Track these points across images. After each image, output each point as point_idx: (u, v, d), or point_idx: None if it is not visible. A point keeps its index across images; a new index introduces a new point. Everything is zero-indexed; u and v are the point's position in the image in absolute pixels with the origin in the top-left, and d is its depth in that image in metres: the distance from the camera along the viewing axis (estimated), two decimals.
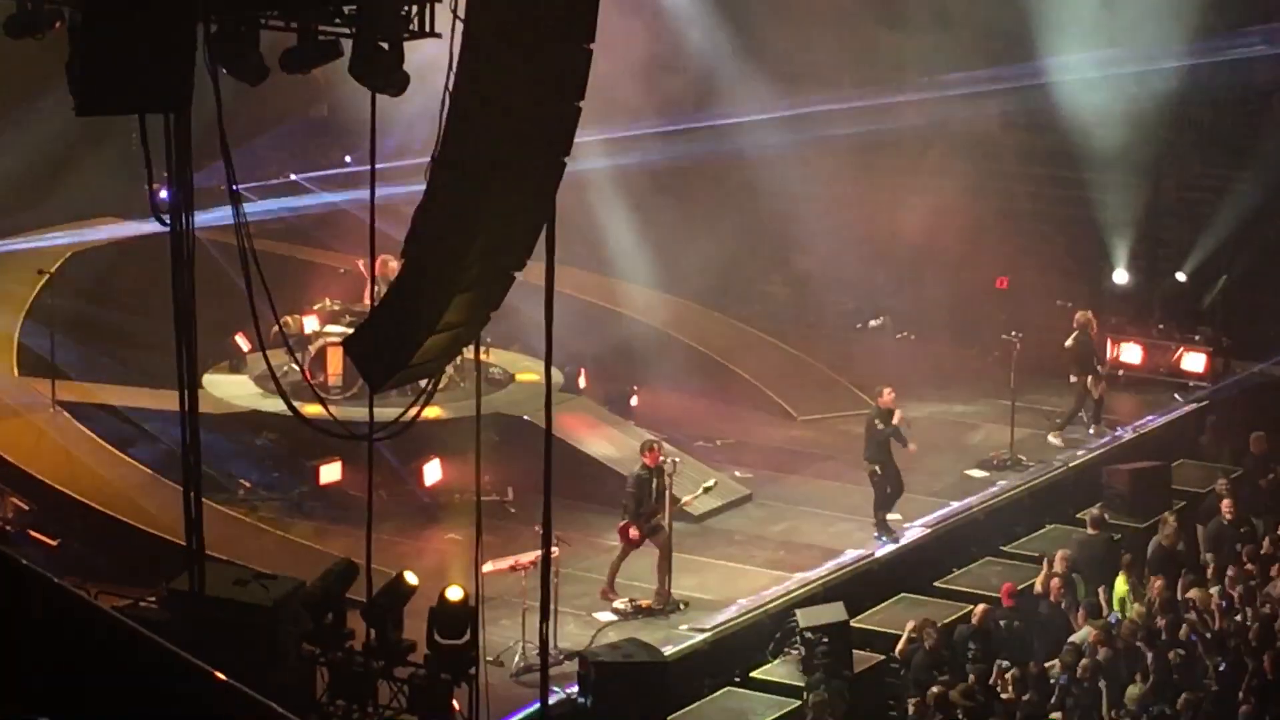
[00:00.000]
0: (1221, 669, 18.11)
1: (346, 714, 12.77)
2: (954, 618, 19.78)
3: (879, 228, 28.54)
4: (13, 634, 6.13)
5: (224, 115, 10.92)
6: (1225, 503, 21.80)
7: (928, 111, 28.66)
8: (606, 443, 22.68)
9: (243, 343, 22.51)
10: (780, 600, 19.79)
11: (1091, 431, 24.89)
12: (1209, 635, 18.73)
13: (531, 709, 16.53)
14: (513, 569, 17.86)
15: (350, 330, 19.48)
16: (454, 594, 13.08)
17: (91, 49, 10.70)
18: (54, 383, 21.64)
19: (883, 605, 20.45)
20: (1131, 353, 27.24)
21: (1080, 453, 24.31)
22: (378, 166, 13.03)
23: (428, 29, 12.59)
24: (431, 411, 16.04)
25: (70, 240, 25.74)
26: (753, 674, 18.94)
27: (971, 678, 18.23)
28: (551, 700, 15.40)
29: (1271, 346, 26.91)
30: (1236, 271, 27.99)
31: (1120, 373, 26.89)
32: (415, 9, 12.54)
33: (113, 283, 24.65)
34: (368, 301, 20.00)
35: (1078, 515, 22.32)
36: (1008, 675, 18.37)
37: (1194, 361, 27.07)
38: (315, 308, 23.22)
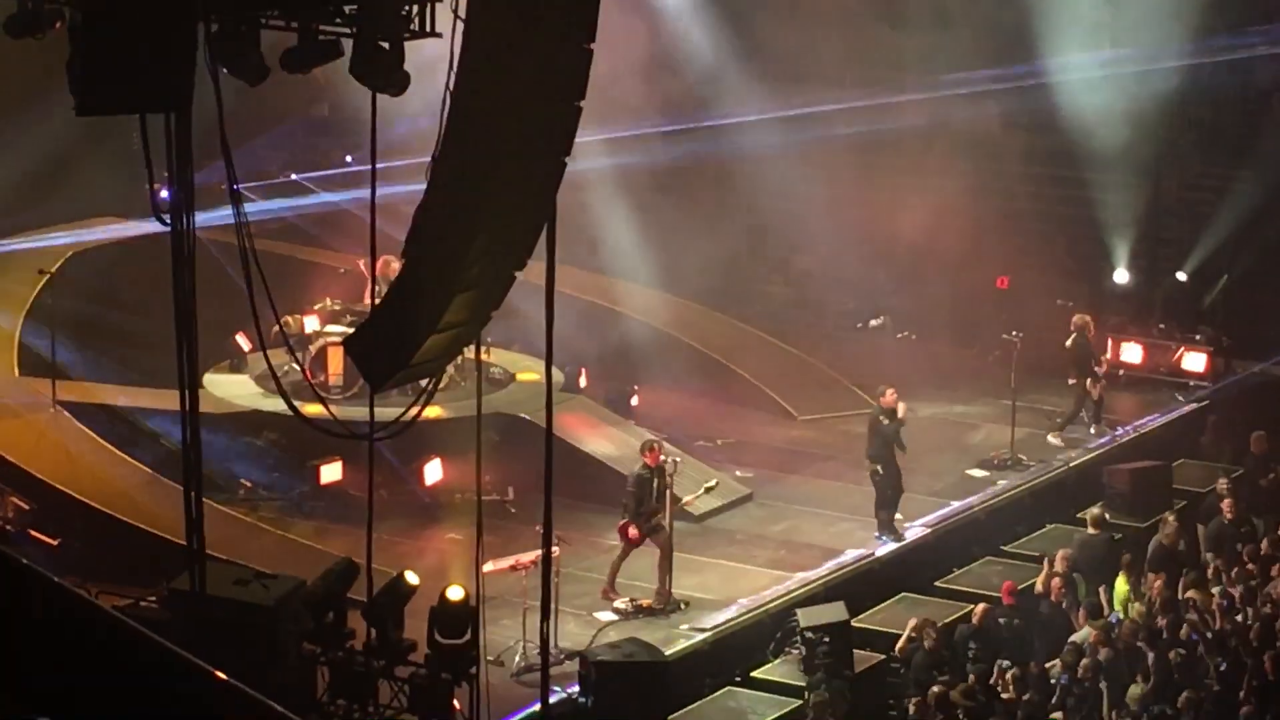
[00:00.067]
0: (1222, 669, 18.11)
1: (347, 714, 12.77)
2: (954, 617, 19.78)
3: (879, 227, 28.53)
4: (13, 634, 6.13)
5: (224, 115, 10.91)
6: (1226, 502, 21.80)
7: (928, 111, 28.67)
8: (607, 442, 22.68)
9: (243, 342, 22.51)
10: (781, 600, 19.80)
11: (1092, 431, 24.90)
12: (1210, 635, 18.72)
13: (532, 709, 16.53)
14: (513, 568, 17.86)
15: (351, 330, 19.48)
16: (454, 593, 13.08)
17: (92, 49, 10.70)
18: (54, 382, 21.65)
19: (883, 605, 20.45)
20: (1132, 352, 27.24)
21: (1081, 452, 24.31)
22: (378, 166, 13.03)
23: (428, 28, 12.58)
24: (432, 411, 16.04)
25: (71, 240, 25.75)
26: (753, 674, 18.94)
27: (972, 677, 18.23)
28: (552, 700, 15.39)
29: (1272, 346, 26.90)
30: (1237, 271, 27.99)
31: (1121, 372, 26.89)
32: (416, 9, 12.53)
33: (113, 282, 24.65)
34: (368, 301, 20.00)
35: (1078, 515, 22.31)
36: (1008, 675, 18.36)
37: (1195, 361, 27.07)
38: (316, 307, 23.23)
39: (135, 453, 20.86)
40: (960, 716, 17.66)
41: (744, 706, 18.33)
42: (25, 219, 25.31)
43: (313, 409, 14.47)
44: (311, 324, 22.85)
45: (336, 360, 21.84)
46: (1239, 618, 19.30)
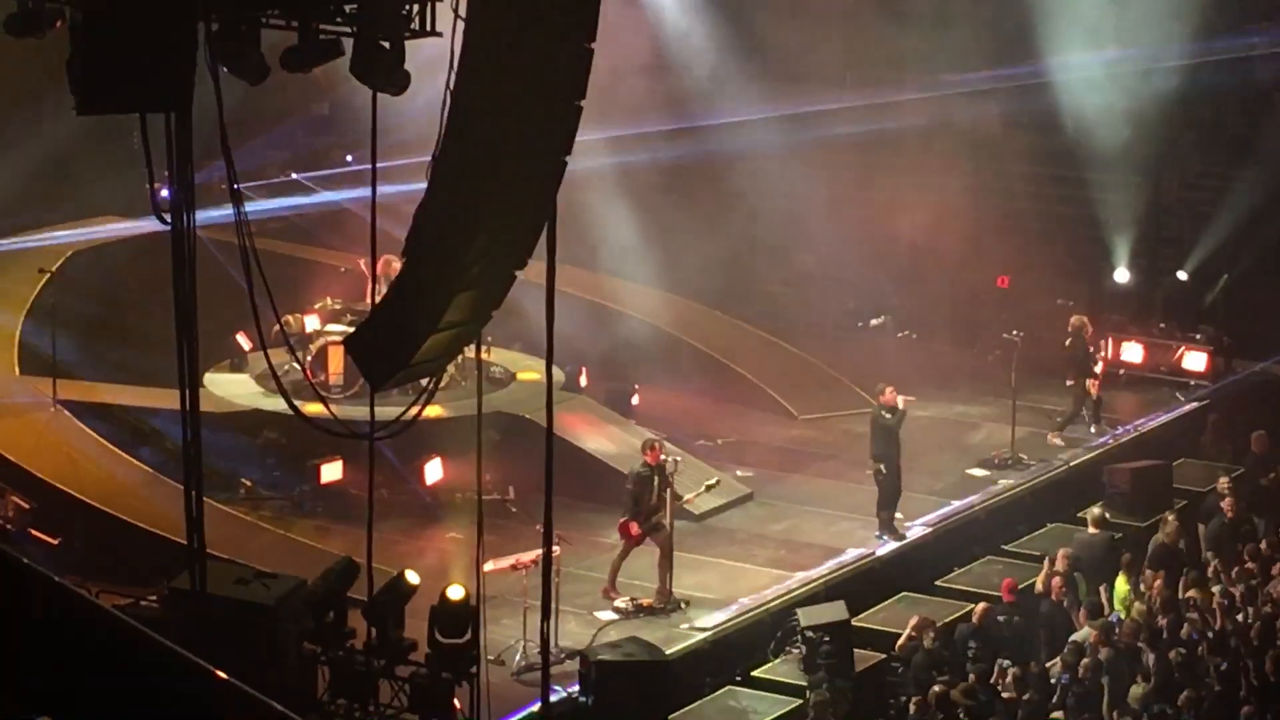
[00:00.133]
0: (1223, 669, 18.10)
1: (348, 713, 12.77)
2: (955, 617, 19.79)
3: (880, 227, 28.53)
4: (13, 634, 6.13)
5: (225, 114, 10.91)
6: (1226, 502, 21.79)
7: (929, 111, 28.65)
8: (608, 442, 22.68)
9: (244, 342, 22.51)
10: (781, 599, 19.80)
11: (1092, 431, 24.90)
12: (1210, 635, 18.72)
13: (533, 708, 16.53)
14: (514, 568, 17.85)
15: (351, 329, 19.47)
16: (455, 593, 13.08)
17: (92, 48, 10.70)
18: (55, 381, 21.64)
19: (884, 604, 20.45)
20: (1133, 351, 27.25)
21: (1081, 452, 24.31)
22: (379, 165, 13.02)
23: (429, 28, 12.58)
24: (433, 410, 16.04)
25: (71, 239, 25.75)
26: (754, 673, 18.94)
27: (973, 677, 18.23)
28: (553, 699, 15.40)
29: (1273, 345, 26.91)
30: (1238, 270, 27.99)
31: (1121, 371, 26.91)
32: (416, 8, 12.52)
33: (114, 281, 24.65)
34: (369, 300, 19.99)
35: (1079, 514, 22.31)
36: (1009, 674, 18.36)
37: (1195, 360, 27.08)
38: (316, 306, 23.24)
39: (136, 452, 20.86)
40: (961, 716, 17.66)
41: (744, 706, 18.33)
42: (26, 218, 25.32)
43: (313, 408, 14.46)
44: (312, 323, 22.86)
45: (337, 359, 21.84)
46: (1239, 617, 19.30)
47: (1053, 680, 18.29)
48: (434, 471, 21.02)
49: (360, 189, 23.57)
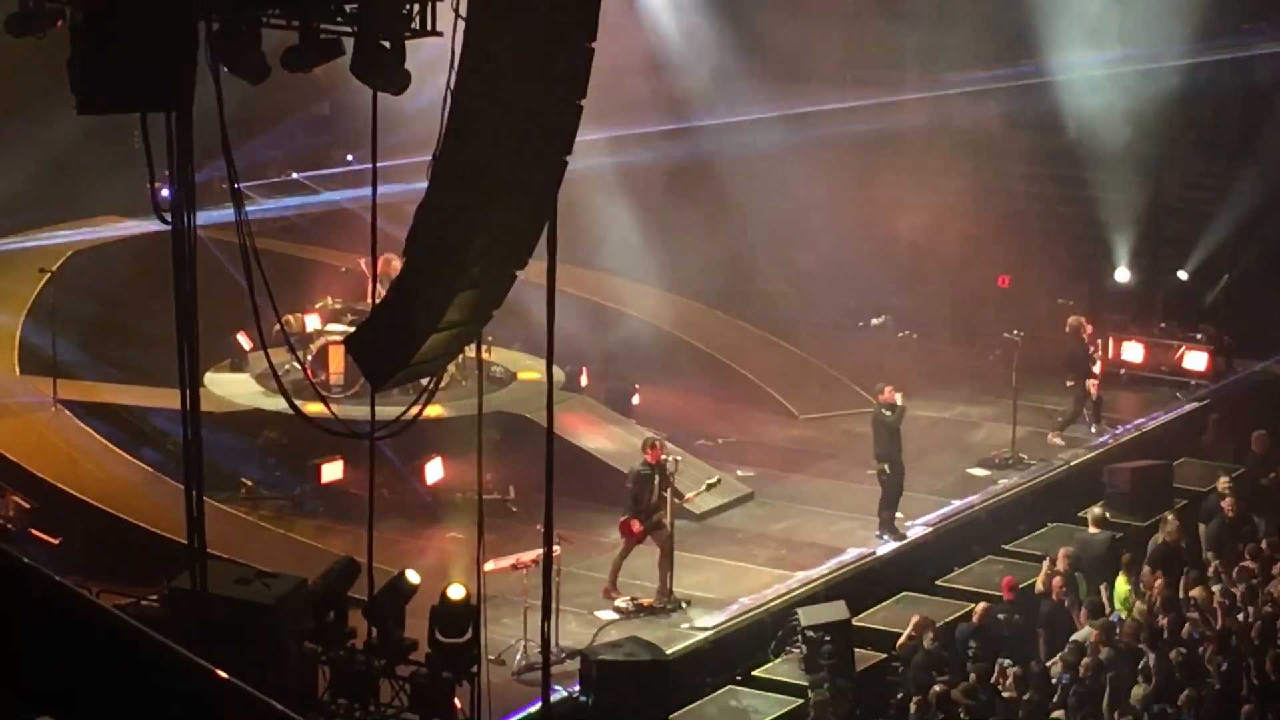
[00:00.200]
0: (1223, 668, 18.10)
1: (348, 712, 12.77)
2: (955, 616, 19.79)
3: (880, 226, 28.55)
4: (13, 634, 6.13)
5: (225, 113, 10.91)
6: (1227, 501, 21.79)
7: (930, 110, 28.66)
8: (608, 441, 22.69)
9: (244, 341, 22.50)
10: (782, 599, 19.80)
11: (1093, 430, 24.91)
12: (1211, 634, 18.72)
13: (533, 708, 16.53)
14: (514, 567, 17.85)
15: (352, 329, 19.47)
16: (455, 592, 13.08)
17: (92, 47, 10.69)
18: (55, 381, 21.64)
19: (884, 604, 20.46)
20: (1133, 351, 27.25)
21: (1082, 451, 24.31)
22: (379, 165, 13.02)
23: (429, 27, 12.58)
24: (433, 410, 16.04)
25: (72, 238, 25.75)
26: (754, 673, 18.94)
27: (973, 676, 18.24)
28: (553, 699, 15.41)
29: (1273, 345, 26.92)
30: (1238, 270, 28.00)
31: (1122, 371, 26.91)
32: (417, 7, 12.53)
33: (114, 281, 24.63)
34: (369, 300, 19.98)
35: (1079, 514, 22.31)
36: (1009, 674, 18.36)
37: (1196, 360, 27.08)
38: (317, 306, 23.24)
39: (136, 452, 20.86)
40: (961, 715, 17.66)
41: (745, 705, 18.33)
42: (28, 218, 25.33)
43: (314, 408, 14.46)
44: (313, 323, 22.86)
45: (337, 359, 21.85)
46: (1240, 616, 19.30)
47: (1053, 680, 18.29)
48: (434, 471, 21.02)
49: (361, 188, 23.55)
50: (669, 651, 17.70)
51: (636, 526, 19.47)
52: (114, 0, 10.72)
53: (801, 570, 20.55)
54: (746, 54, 28.38)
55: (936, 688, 17.71)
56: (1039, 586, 20.12)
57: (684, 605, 19.46)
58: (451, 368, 20.08)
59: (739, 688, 18.67)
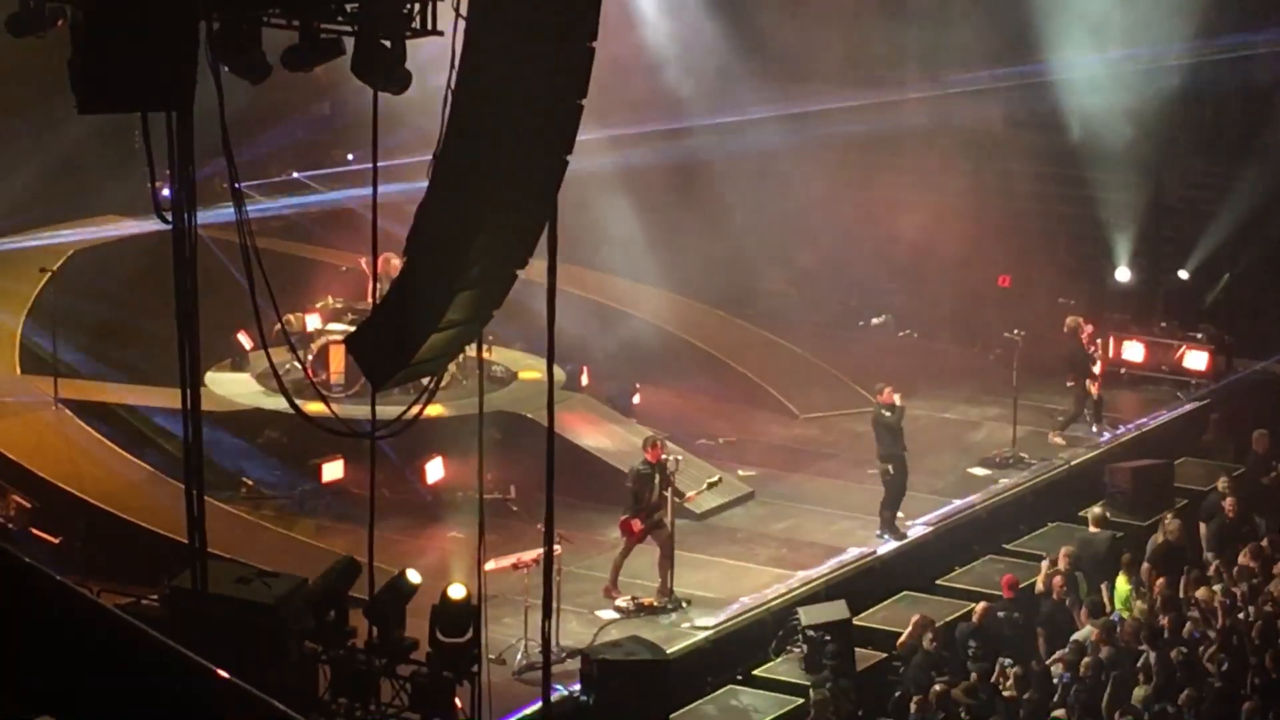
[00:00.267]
0: (1224, 668, 18.11)
1: (349, 712, 12.78)
2: (956, 616, 19.79)
3: (881, 225, 28.56)
4: (13, 633, 6.13)
5: (226, 113, 10.91)
6: (1228, 501, 21.79)
7: (930, 109, 28.66)
8: (609, 440, 22.68)
9: (245, 341, 22.49)
10: (782, 598, 19.80)
11: (1094, 430, 24.90)
12: (1212, 634, 18.72)
13: (534, 707, 16.53)
14: (515, 567, 17.85)
15: (352, 328, 19.47)
16: (456, 592, 13.09)
17: (93, 47, 10.69)
18: (56, 380, 21.65)
19: (885, 603, 20.45)
20: (1134, 350, 27.24)
21: (1082, 451, 24.31)
22: (380, 164, 13.02)
23: (430, 27, 12.58)
24: (434, 409, 16.03)
25: (73, 238, 25.76)
26: (755, 672, 18.94)
27: (974, 675, 18.24)
28: (554, 698, 15.40)
29: (1274, 344, 26.93)
30: (1239, 269, 28.00)
31: (1123, 370, 26.91)
32: (417, 7, 12.53)
33: (115, 281, 24.64)
34: (370, 299, 19.99)
35: (1080, 513, 22.32)
36: (1010, 673, 18.36)
37: (1196, 359, 27.07)
38: (318, 305, 23.24)
39: (137, 451, 20.86)
40: (962, 714, 17.67)
41: (745, 705, 18.33)
42: (28, 218, 25.34)
43: (314, 407, 14.47)
44: (313, 322, 22.86)
45: (338, 358, 21.85)
46: (1241, 616, 19.30)
47: (1054, 679, 18.29)
48: (435, 470, 21.01)
49: (361, 188, 23.55)
50: (669, 651, 17.69)
51: (637, 526, 19.46)
52: (114, 0, 10.72)
53: (802, 570, 20.55)
54: (747, 53, 28.38)
55: (937, 687, 17.72)
56: (1039, 586, 20.12)
57: (684, 605, 19.45)
58: (452, 367, 20.08)
59: (739, 687, 18.67)
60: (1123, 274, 28.59)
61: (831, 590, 20.06)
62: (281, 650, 12.51)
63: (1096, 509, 21.97)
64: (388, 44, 12.48)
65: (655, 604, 19.35)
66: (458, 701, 13.14)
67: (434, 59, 12.09)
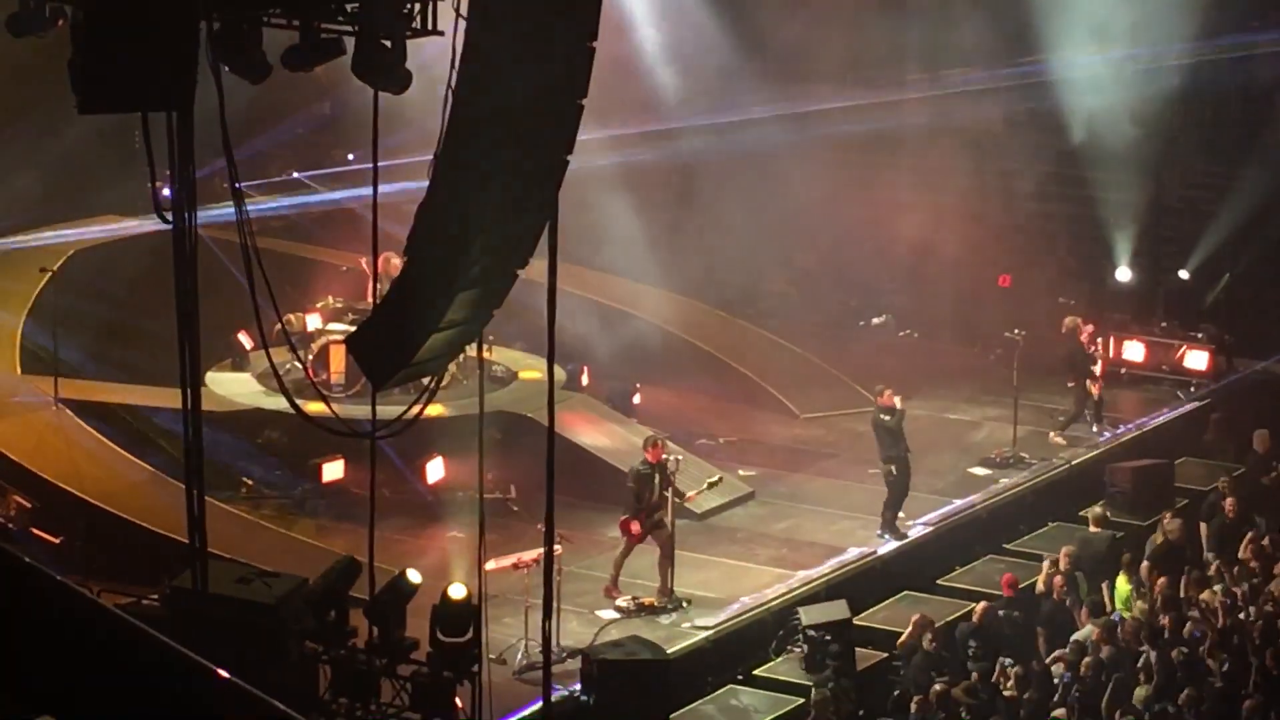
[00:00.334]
0: (1225, 668, 18.10)
1: (349, 712, 12.78)
2: (956, 616, 19.79)
3: (882, 225, 28.55)
4: (13, 633, 6.12)
5: (226, 112, 10.91)
6: (1228, 500, 21.79)
7: (931, 109, 28.65)
8: (609, 440, 22.68)
9: (245, 340, 22.49)
10: (783, 598, 19.79)
11: (1094, 430, 24.90)
12: (1213, 633, 18.72)
13: (534, 707, 16.53)
14: (515, 567, 17.84)
15: (353, 328, 19.47)
16: (456, 592, 13.09)
17: (93, 47, 10.69)
18: (56, 380, 21.65)
19: (886, 603, 20.45)
20: (1134, 350, 27.25)
21: (1083, 450, 24.31)
22: (380, 164, 13.02)
23: (430, 27, 12.58)
24: (434, 409, 16.02)
25: (73, 237, 25.76)
26: (755, 672, 18.94)
27: (975, 675, 18.23)
28: (554, 698, 15.40)
29: (1275, 344, 26.93)
30: (1240, 269, 28.00)
31: (1123, 370, 26.91)
32: (418, 7, 12.53)
33: (115, 280, 24.65)
34: (370, 299, 20.00)
35: (1080, 513, 22.32)
36: (1011, 672, 18.36)
37: (1197, 359, 27.07)
38: (318, 305, 23.24)
39: (137, 451, 20.86)
40: (962, 714, 17.66)
41: (746, 705, 18.33)
42: (28, 218, 25.35)
43: (315, 407, 14.47)
44: (314, 322, 22.86)
45: (339, 358, 21.85)
46: (1241, 616, 19.30)
47: (1055, 680, 18.29)
48: (435, 470, 21.01)
49: (362, 188, 23.56)
50: (670, 651, 17.68)
51: (637, 526, 19.46)
52: (114, 0, 10.72)
53: (802, 569, 20.54)
54: (748, 53, 28.38)
55: (937, 687, 17.71)
56: (1040, 586, 20.12)
57: (685, 604, 19.45)
58: (452, 367, 20.08)
59: (740, 687, 18.67)
60: (1123, 274, 28.60)
61: (832, 590, 20.05)
62: (282, 650, 12.51)
63: (1097, 509, 21.97)
64: (388, 44, 12.48)
65: (656, 604, 19.35)
66: (458, 701, 13.14)
67: (435, 58, 12.09)
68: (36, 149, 24.78)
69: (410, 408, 12.98)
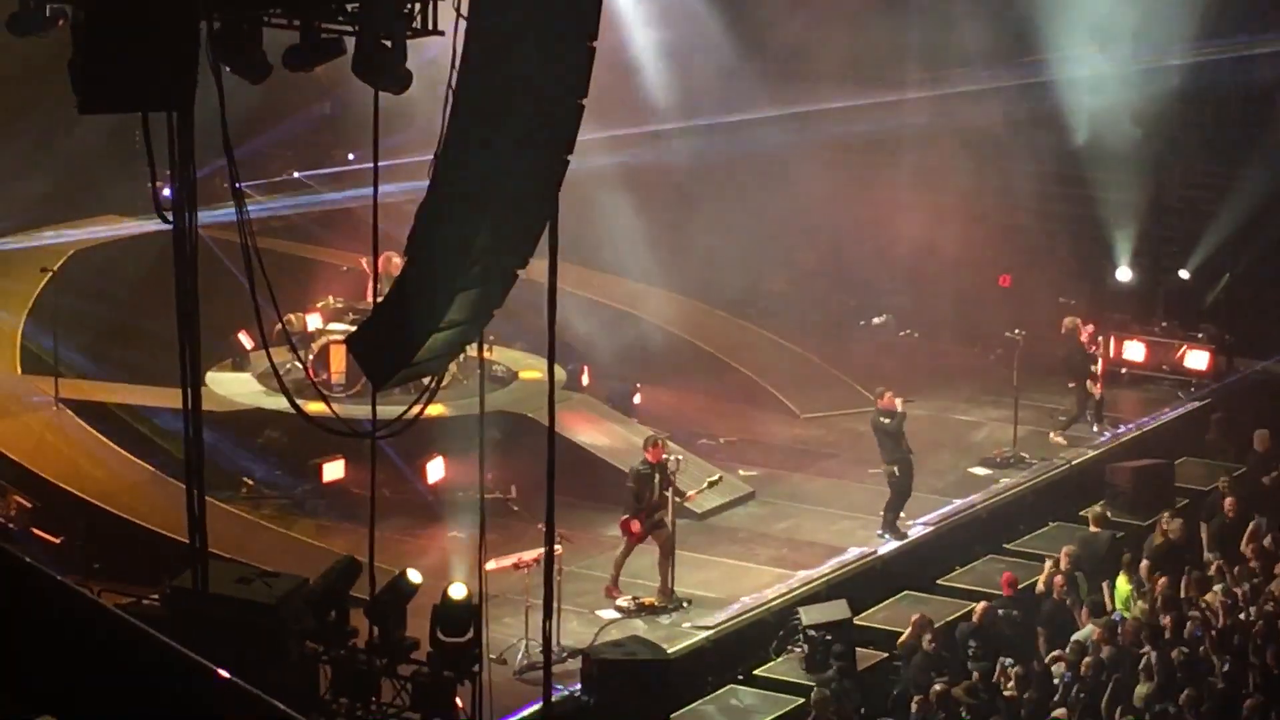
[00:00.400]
0: (1226, 667, 18.10)
1: (349, 712, 12.78)
2: (956, 615, 19.79)
3: (882, 225, 28.54)
4: (13, 633, 6.12)
5: (226, 112, 10.91)
6: (1229, 500, 21.79)
7: (932, 109, 28.64)
8: (609, 440, 22.68)
9: (246, 340, 22.49)
10: (783, 598, 19.80)
11: (1095, 429, 24.90)
12: (1213, 633, 18.72)
13: (534, 707, 16.54)
14: (516, 566, 17.84)
15: (353, 328, 19.47)
16: (457, 591, 13.09)
17: (94, 47, 10.69)
18: (57, 380, 21.65)
19: (886, 603, 20.45)
20: (1135, 350, 27.25)
21: (1083, 450, 24.31)
22: (381, 164, 13.02)
23: (430, 26, 12.58)
24: (434, 409, 16.02)
25: (73, 238, 25.76)
26: (756, 672, 18.95)
27: (975, 675, 18.23)
28: (554, 698, 15.40)
29: (1275, 344, 26.93)
30: (1240, 269, 27.99)
31: (1124, 370, 26.91)
32: (418, 6, 12.53)
33: (115, 280, 24.65)
34: (371, 299, 20.00)
35: (1081, 513, 22.32)
36: (1011, 672, 18.36)
37: (1197, 359, 27.07)
38: (318, 305, 23.24)
39: (138, 451, 20.86)
40: (963, 714, 17.66)
41: (746, 705, 18.34)
42: (29, 218, 25.35)
43: (315, 407, 14.48)
44: (314, 322, 22.86)
45: (339, 358, 21.85)
46: (1242, 616, 19.30)
47: (1055, 681, 18.28)
48: (436, 470, 21.01)
49: (362, 188, 23.54)
50: (670, 651, 17.67)
51: (637, 527, 19.45)
52: (115, 0, 10.72)
53: (803, 569, 20.55)
54: (749, 53, 28.38)
55: (937, 686, 17.71)
56: (1040, 586, 20.12)
57: (685, 604, 19.45)
58: (453, 367, 20.07)
59: (740, 687, 18.67)
60: (1123, 274, 28.59)
61: (832, 590, 20.06)
62: (282, 650, 12.51)
63: (1097, 509, 21.97)
64: (388, 44, 12.48)
65: (656, 604, 19.35)
66: (458, 701, 13.14)
67: (435, 58, 12.09)
68: (37, 149, 24.79)
69: (410, 408, 12.99)
